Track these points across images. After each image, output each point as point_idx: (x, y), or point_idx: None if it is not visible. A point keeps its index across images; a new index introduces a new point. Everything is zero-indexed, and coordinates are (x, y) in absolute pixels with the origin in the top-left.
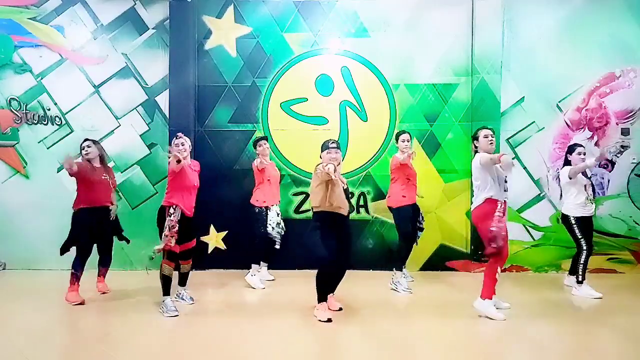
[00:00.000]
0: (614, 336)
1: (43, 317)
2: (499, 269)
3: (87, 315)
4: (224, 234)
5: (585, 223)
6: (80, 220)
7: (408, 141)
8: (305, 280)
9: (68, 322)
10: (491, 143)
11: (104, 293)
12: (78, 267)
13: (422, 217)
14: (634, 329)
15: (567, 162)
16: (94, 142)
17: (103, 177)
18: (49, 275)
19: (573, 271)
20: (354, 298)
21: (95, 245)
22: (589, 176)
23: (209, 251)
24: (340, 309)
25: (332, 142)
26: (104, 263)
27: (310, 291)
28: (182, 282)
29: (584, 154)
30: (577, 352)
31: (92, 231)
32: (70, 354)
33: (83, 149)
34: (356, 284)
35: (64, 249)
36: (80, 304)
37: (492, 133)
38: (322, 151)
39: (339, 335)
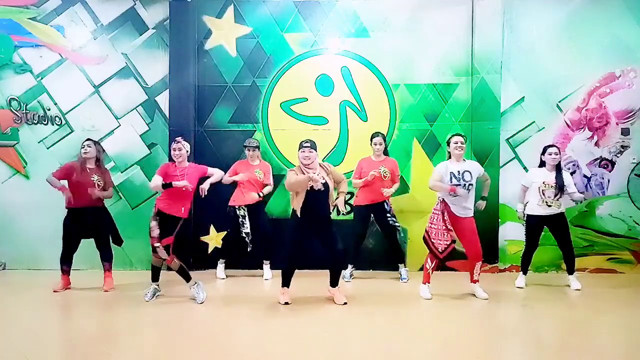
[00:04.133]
0: (614, 336)
1: (43, 317)
2: (428, 260)
3: (86, 315)
4: (224, 234)
5: (537, 221)
6: (64, 220)
7: (381, 144)
8: (304, 279)
9: (68, 322)
10: (458, 149)
11: (106, 291)
12: (61, 261)
13: (390, 215)
14: (633, 329)
15: (542, 163)
16: (95, 142)
17: (90, 179)
18: (49, 275)
19: (571, 270)
20: (354, 297)
21: (94, 242)
22: (560, 180)
23: (209, 251)
24: (325, 302)
25: (306, 142)
26: (103, 257)
27: (309, 290)
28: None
29: (556, 154)
30: (576, 352)
31: (71, 230)
32: (70, 354)
33: (83, 148)
34: (356, 283)
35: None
36: (55, 291)
37: (462, 140)
38: (298, 150)
39: (338, 333)
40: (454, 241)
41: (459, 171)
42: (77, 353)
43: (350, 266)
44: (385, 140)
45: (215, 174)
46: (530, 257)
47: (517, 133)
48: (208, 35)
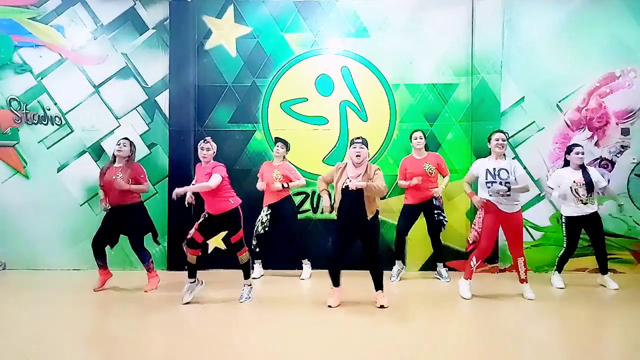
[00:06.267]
0: (614, 336)
1: (43, 317)
2: (473, 259)
3: (87, 315)
4: (224, 233)
5: (577, 222)
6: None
7: (421, 138)
8: (306, 280)
9: (68, 322)
10: (498, 146)
11: (146, 291)
12: (94, 256)
13: (439, 211)
14: (633, 329)
15: (566, 162)
16: (131, 143)
17: (113, 178)
18: (49, 275)
19: (604, 270)
20: (354, 296)
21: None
22: (588, 178)
23: (209, 251)
24: (382, 306)
25: (358, 138)
26: (139, 258)
27: (309, 290)
28: (244, 275)
29: (582, 153)
30: (576, 352)
31: (103, 228)
32: (70, 354)
33: (118, 145)
34: (356, 282)
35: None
36: (95, 290)
37: (503, 137)
38: (349, 146)
39: (338, 333)
40: (474, 242)
41: (495, 168)
42: (77, 353)
43: (397, 262)
44: (425, 136)
45: (201, 185)
46: (567, 259)
47: (517, 133)
48: (208, 35)
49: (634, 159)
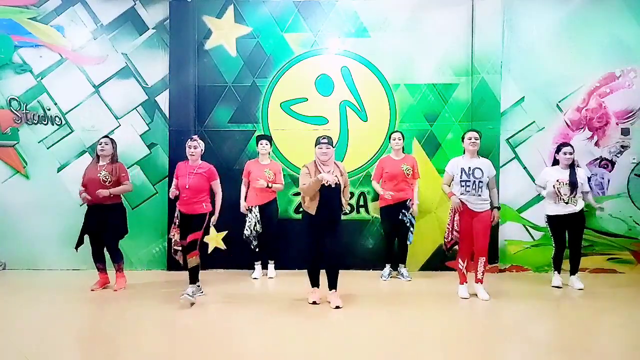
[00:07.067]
0: (614, 336)
1: (43, 317)
2: (460, 261)
3: (87, 315)
4: (224, 234)
5: (559, 221)
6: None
7: (399, 139)
8: (305, 279)
9: (68, 322)
10: (471, 145)
11: (115, 290)
12: (93, 259)
13: (408, 212)
14: (633, 329)
15: (555, 161)
16: (112, 141)
17: (97, 176)
18: (49, 275)
19: (574, 271)
20: (354, 296)
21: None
22: (574, 178)
23: (209, 251)
24: (325, 302)
25: (323, 138)
26: (112, 258)
27: (307, 290)
28: (190, 279)
29: (571, 153)
30: (576, 352)
31: (86, 227)
32: (70, 354)
33: (100, 144)
34: (356, 283)
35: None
36: (92, 290)
37: (476, 136)
38: (315, 146)
39: (338, 332)
40: (455, 242)
41: (469, 167)
42: (77, 353)
43: (387, 265)
44: (403, 137)
45: (218, 198)
46: (561, 257)
47: (517, 133)
48: (208, 35)
49: (634, 159)
